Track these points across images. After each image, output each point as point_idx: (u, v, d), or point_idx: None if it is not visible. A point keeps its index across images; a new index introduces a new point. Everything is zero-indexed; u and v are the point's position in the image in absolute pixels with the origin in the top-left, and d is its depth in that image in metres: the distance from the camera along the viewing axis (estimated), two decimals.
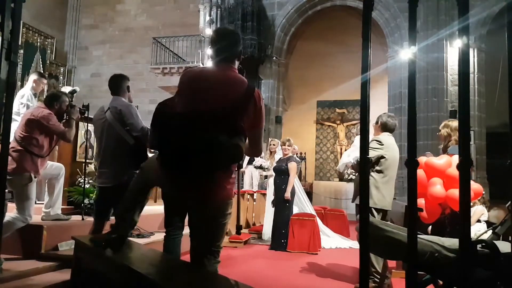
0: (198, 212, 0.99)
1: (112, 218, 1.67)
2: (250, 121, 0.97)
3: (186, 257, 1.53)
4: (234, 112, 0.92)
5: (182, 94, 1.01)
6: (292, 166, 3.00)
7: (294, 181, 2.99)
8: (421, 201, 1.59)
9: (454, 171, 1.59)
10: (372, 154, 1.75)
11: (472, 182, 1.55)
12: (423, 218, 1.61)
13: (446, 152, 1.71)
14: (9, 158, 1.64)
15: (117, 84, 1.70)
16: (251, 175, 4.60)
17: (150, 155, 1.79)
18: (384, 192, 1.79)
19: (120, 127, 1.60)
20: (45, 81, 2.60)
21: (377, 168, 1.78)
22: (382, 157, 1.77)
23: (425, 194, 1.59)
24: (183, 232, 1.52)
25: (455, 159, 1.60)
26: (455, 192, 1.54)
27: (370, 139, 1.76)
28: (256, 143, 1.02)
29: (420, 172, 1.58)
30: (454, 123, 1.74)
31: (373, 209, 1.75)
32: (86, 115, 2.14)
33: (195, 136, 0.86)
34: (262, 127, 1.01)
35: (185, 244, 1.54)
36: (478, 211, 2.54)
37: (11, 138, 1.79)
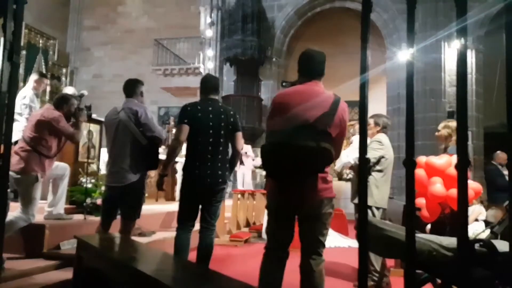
0: (301, 212, 1.13)
1: (118, 217, 1.69)
2: (335, 130, 1.11)
3: (193, 254, 1.56)
4: (323, 122, 1.08)
5: (276, 113, 1.16)
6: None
7: None
8: (421, 201, 1.60)
9: (454, 171, 1.58)
10: (374, 154, 1.77)
11: (471, 181, 1.59)
12: (424, 218, 1.62)
13: (446, 152, 1.74)
14: (18, 157, 1.66)
15: (133, 88, 1.73)
16: (242, 175, 4.76)
17: (161, 157, 1.83)
18: (383, 191, 1.81)
19: (134, 127, 1.63)
20: (46, 80, 2.60)
21: (378, 167, 1.80)
22: (383, 156, 1.79)
23: (426, 194, 1.60)
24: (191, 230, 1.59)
25: (455, 158, 1.60)
26: (455, 192, 1.54)
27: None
28: (338, 149, 1.15)
29: (421, 172, 1.61)
30: (454, 124, 1.78)
31: (373, 208, 1.76)
32: (91, 114, 2.17)
33: (294, 146, 1.02)
34: (345, 135, 1.16)
35: (194, 240, 1.58)
36: (476, 211, 2.55)
37: (18, 138, 1.81)
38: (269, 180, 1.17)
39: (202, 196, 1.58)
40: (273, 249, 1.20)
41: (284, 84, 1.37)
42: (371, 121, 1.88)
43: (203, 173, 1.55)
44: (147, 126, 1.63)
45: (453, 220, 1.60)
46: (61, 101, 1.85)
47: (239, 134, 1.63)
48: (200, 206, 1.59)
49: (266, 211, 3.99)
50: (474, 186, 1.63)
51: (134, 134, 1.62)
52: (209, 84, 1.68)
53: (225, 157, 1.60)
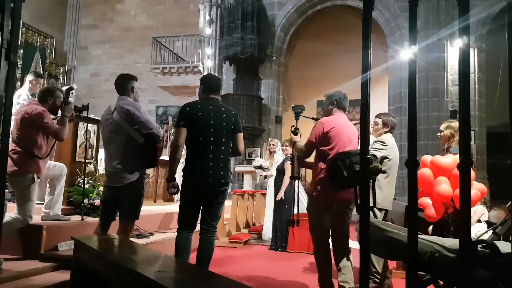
0: (347, 213, 1.58)
1: (117, 218, 1.67)
2: None
3: (193, 255, 1.55)
4: None
5: (333, 136, 1.56)
6: (287, 166, 2.99)
7: (288, 180, 2.97)
8: (426, 200, 1.58)
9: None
10: (376, 155, 1.74)
11: (476, 182, 1.56)
12: (429, 217, 1.60)
13: (449, 152, 1.72)
14: (10, 160, 1.59)
15: (122, 84, 1.69)
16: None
17: (164, 157, 1.81)
18: (386, 192, 1.79)
19: (129, 126, 1.59)
20: (41, 80, 2.53)
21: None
22: (386, 157, 1.77)
23: (431, 193, 1.58)
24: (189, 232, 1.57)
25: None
26: None
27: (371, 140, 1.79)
28: None
29: (427, 172, 1.59)
30: (456, 123, 1.76)
31: (375, 209, 1.74)
32: (81, 113, 2.08)
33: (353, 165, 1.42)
34: None
35: (195, 241, 1.57)
36: (479, 211, 2.54)
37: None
38: (328, 185, 1.53)
39: (203, 197, 1.55)
40: (326, 243, 1.61)
41: (294, 107, 1.76)
42: (379, 121, 1.85)
43: (205, 174, 1.52)
44: (142, 124, 1.60)
45: (457, 219, 1.61)
46: (45, 94, 1.75)
47: (240, 135, 1.62)
48: (201, 208, 1.57)
49: (267, 213, 3.98)
50: (479, 186, 1.61)
51: (129, 133, 1.59)
52: (211, 83, 1.65)
53: (227, 158, 1.58)
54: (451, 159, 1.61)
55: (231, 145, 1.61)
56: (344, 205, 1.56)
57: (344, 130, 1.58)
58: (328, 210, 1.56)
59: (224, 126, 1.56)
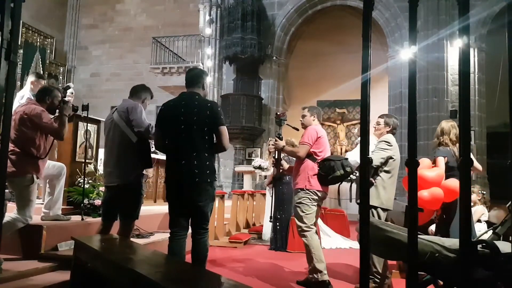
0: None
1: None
2: None
3: (189, 257, 1.54)
4: None
5: (322, 142, 1.91)
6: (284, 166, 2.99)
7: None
8: None
9: (426, 172, 1.75)
10: (383, 154, 1.76)
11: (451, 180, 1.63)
12: None
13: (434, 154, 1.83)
14: (8, 161, 1.57)
15: (136, 91, 1.74)
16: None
17: (156, 156, 1.83)
18: (390, 192, 1.80)
19: (125, 125, 1.60)
20: (43, 81, 2.53)
21: (385, 168, 1.78)
22: (391, 157, 1.78)
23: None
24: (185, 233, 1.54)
25: (427, 162, 1.77)
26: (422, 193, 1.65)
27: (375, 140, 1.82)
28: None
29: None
30: (440, 126, 1.90)
31: (379, 209, 1.75)
32: (81, 112, 2.08)
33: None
34: None
35: (188, 244, 1.55)
36: (479, 211, 2.54)
37: None
38: (319, 179, 1.84)
39: (182, 198, 1.47)
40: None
41: (281, 116, 2.00)
42: (381, 121, 1.87)
43: (177, 173, 1.46)
44: (135, 122, 1.60)
45: (441, 221, 1.74)
46: (43, 94, 1.74)
47: (222, 129, 1.48)
48: (187, 208, 1.51)
49: (267, 213, 4.09)
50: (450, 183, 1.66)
51: (125, 132, 1.60)
52: (186, 77, 1.57)
53: (203, 154, 1.46)
54: (421, 165, 1.65)
55: (214, 140, 1.49)
56: (325, 196, 1.92)
57: (326, 138, 1.98)
58: (318, 199, 1.86)
59: (196, 121, 1.45)
